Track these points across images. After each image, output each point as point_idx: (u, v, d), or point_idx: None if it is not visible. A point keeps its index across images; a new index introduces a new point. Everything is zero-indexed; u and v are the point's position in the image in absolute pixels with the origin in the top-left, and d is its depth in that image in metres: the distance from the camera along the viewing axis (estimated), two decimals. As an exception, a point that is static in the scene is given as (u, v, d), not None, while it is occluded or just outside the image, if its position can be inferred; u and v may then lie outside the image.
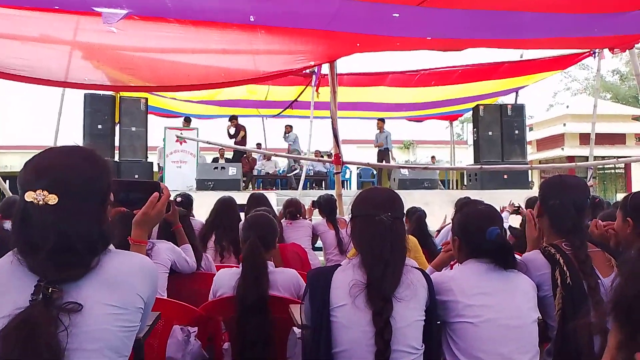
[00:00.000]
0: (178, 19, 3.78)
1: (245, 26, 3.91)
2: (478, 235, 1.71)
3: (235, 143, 11.27)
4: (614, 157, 21.60)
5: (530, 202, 4.06)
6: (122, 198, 1.47)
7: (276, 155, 13.16)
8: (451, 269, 2.04)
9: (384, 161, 12.20)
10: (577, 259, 1.75)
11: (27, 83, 4.81)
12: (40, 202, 1.04)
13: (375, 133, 12.66)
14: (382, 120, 12.36)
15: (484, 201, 1.92)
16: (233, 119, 11.45)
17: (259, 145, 14.57)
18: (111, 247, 1.17)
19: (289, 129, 13.29)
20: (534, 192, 13.51)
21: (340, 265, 1.70)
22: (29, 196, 1.04)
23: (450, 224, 4.71)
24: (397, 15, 3.68)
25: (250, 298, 2.06)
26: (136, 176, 9.90)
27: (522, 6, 3.63)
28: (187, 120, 11.58)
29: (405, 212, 3.96)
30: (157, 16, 3.70)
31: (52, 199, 1.04)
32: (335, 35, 4.27)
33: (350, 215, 1.76)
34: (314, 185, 12.03)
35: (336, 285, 1.61)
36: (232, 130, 11.43)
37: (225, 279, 2.18)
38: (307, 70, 7.61)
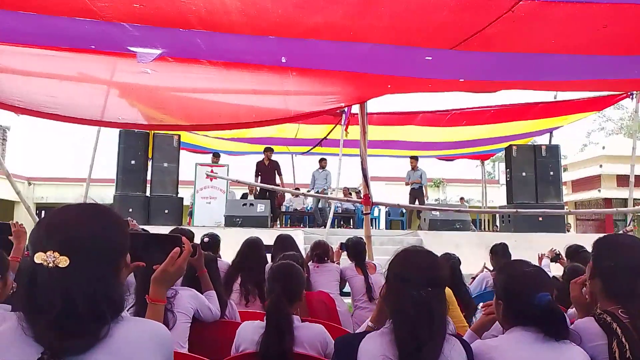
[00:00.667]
0: (210, 60, 3.81)
1: (277, 68, 3.91)
2: (526, 302, 1.56)
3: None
4: (654, 200, 20.88)
5: (571, 251, 3.85)
6: (141, 252, 1.40)
7: (305, 195, 13.13)
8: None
9: (417, 200, 12.00)
10: (636, 329, 1.56)
11: (59, 121, 4.91)
12: (50, 265, 0.97)
13: (407, 171, 12.47)
14: (415, 158, 12.15)
15: (529, 262, 1.76)
16: (269, 150, 11.33)
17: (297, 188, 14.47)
18: (124, 314, 1.09)
19: (323, 163, 12.50)
20: (571, 235, 13.05)
21: (368, 333, 1.58)
22: (39, 257, 0.97)
23: (485, 271, 4.54)
24: (430, 58, 3.63)
25: (273, 355, 1.94)
26: (166, 211, 9.99)
27: (559, 49, 3.53)
28: (216, 156, 11.71)
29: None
30: (189, 57, 3.75)
31: (63, 261, 0.97)
32: (366, 77, 4.24)
33: (385, 274, 1.64)
34: (341, 223, 11.89)
35: (362, 358, 1.48)
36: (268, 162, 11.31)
37: (249, 332, 2.07)
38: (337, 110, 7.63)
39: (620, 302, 1.66)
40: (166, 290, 1.47)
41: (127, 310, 2.27)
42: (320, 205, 13.50)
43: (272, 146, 11.32)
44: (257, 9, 2.82)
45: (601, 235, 1.89)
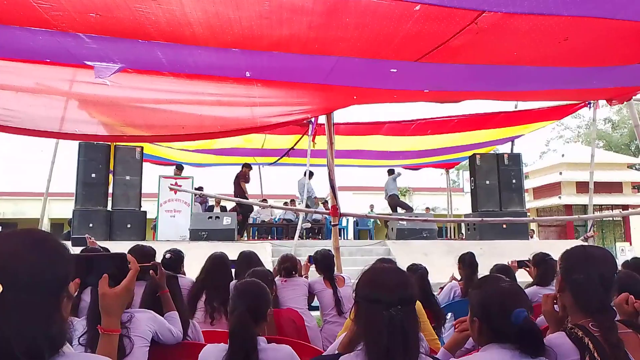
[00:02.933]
0: (172, 72, 3.71)
1: (242, 79, 3.85)
2: (502, 318, 1.52)
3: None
4: (612, 205, 21.67)
5: (537, 259, 3.89)
6: (87, 276, 1.30)
7: (272, 207, 13.02)
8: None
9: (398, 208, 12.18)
10: (607, 343, 1.55)
11: (14, 134, 4.70)
12: None
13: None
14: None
15: (503, 277, 1.74)
16: (247, 166, 11.29)
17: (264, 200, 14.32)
18: (67, 348, 0.99)
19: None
20: (534, 241, 13.35)
21: (342, 355, 1.52)
22: None
23: (453, 282, 4.55)
24: (395, 70, 3.63)
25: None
26: (128, 225, 9.72)
27: (522, 61, 3.59)
28: (179, 168, 11.50)
29: (406, 270, 3.76)
30: (151, 69, 3.64)
31: None
32: (332, 89, 4.22)
33: (354, 293, 1.58)
34: (309, 235, 11.82)
35: None
36: (248, 176, 11.28)
37: (212, 356, 1.97)
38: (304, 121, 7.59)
39: (591, 315, 1.65)
40: (119, 317, 1.37)
41: (80, 338, 2.16)
42: (288, 217, 13.42)
43: (234, 159, 11.33)
44: (220, 20, 2.75)
45: (567, 243, 1.89)
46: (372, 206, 17.83)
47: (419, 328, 1.53)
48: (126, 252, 1.50)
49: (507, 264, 4.37)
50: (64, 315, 1.01)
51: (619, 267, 2.99)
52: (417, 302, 3.26)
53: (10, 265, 0.92)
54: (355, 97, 4.69)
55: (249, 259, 3.90)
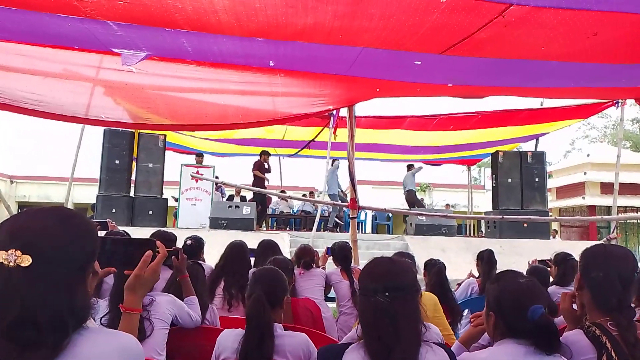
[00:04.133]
0: (197, 61, 3.75)
1: (265, 69, 3.86)
2: (519, 315, 1.52)
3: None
4: (637, 207, 21.17)
5: (559, 258, 3.83)
6: (114, 258, 1.33)
7: (291, 198, 13.06)
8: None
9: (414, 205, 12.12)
10: (625, 342, 1.53)
11: (42, 118, 4.80)
12: (12, 264, 0.90)
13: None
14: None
15: (519, 271, 1.72)
16: (265, 153, 11.29)
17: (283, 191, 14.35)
18: (90, 322, 1.02)
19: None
20: (556, 241, 13.15)
21: (352, 344, 1.54)
22: (0, 256, 0.91)
23: (471, 279, 4.52)
24: (419, 62, 3.61)
25: (253, 362, 1.88)
26: (150, 212, 9.87)
27: (549, 56, 3.53)
28: (200, 156, 11.58)
29: (424, 265, 3.71)
30: (176, 57, 3.68)
31: (26, 261, 0.91)
32: (355, 80, 4.21)
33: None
34: (328, 227, 11.84)
35: None
36: (266, 165, 11.27)
37: (229, 340, 2.00)
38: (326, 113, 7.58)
39: (609, 313, 1.63)
40: (141, 297, 1.40)
41: (102, 318, 2.21)
42: (306, 208, 13.45)
43: (255, 149, 11.33)
44: (246, 8, 2.76)
45: (589, 244, 1.86)
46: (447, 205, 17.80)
47: (419, 315, 1.54)
48: (148, 237, 1.53)
49: (528, 263, 4.33)
50: (88, 291, 1.04)
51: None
52: (434, 297, 3.27)
53: (39, 239, 0.95)
54: (378, 90, 4.68)
55: (269, 248, 3.93)
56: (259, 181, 10.88)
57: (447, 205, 19.59)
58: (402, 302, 1.50)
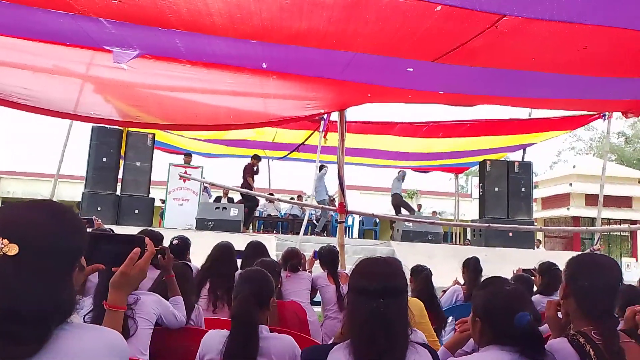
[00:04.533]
0: (190, 60, 3.74)
1: (258, 71, 3.86)
2: (505, 321, 1.53)
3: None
4: (620, 219, 21.48)
5: (543, 268, 3.88)
6: (101, 254, 1.32)
7: (279, 201, 13.03)
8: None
9: (401, 208, 12.16)
10: (608, 351, 1.54)
11: (31, 112, 4.75)
12: None
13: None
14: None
15: (506, 277, 1.74)
16: (256, 158, 11.29)
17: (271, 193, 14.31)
18: (74, 318, 1.00)
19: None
20: (540, 251, 13.27)
21: (336, 345, 1.54)
22: None
23: (456, 286, 4.55)
24: (412, 69, 3.63)
25: (237, 363, 1.87)
26: (136, 212, 9.79)
27: (540, 67, 3.57)
28: (188, 155, 11.51)
29: (411, 271, 3.71)
30: (168, 56, 3.66)
31: (13, 249, 0.90)
32: (347, 85, 4.22)
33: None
34: (315, 231, 11.84)
35: None
36: (256, 169, 11.27)
37: (214, 341, 1.99)
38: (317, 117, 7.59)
39: (593, 322, 1.65)
40: (126, 295, 1.38)
41: (85, 316, 2.19)
42: (294, 212, 13.43)
43: (245, 150, 11.31)
44: (241, 11, 2.76)
45: (573, 254, 1.88)
46: (434, 212, 17.93)
47: (408, 320, 1.54)
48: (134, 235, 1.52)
49: (513, 272, 4.37)
50: (74, 286, 1.03)
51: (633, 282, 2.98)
52: (420, 302, 3.28)
53: (28, 230, 0.95)
54: (369, 95, 4.69)
55: (257, 249, 3.92)
56: (247, 185, 10.86)
57: (434, 212, 19.70)
58: (397, 305, 1.50)
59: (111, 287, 1.36)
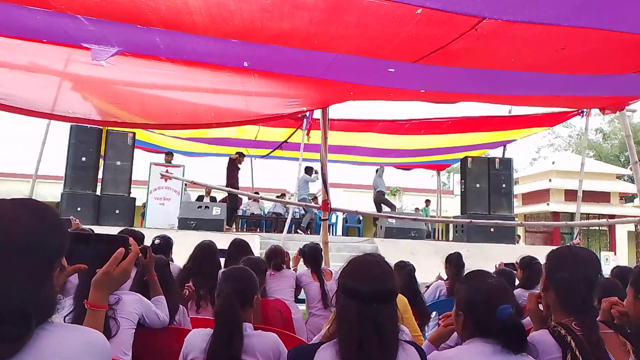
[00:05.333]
0: (170, 58, 3.70)
1: (239, 69, 3.84)
2: (487, 314, 1.54)
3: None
4: (599, 214, 21.90)
5: (524, 262, 3.93)
6: (83, 253, 1.30)
7: (263, 199, 12.99)
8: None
9: (382, 205, 12.20)
10: (589, 342, 1.57)
11: (7, 112, 4.65)
12: None
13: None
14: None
15: (491, 273, 1.76)
16: (240, 154, 11.24)
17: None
18: (55, 318, 0.99)
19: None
20: (521, 246, 13.47)
21: (323, 343, 1.53)
22: None
23: (439, 281, 4.59)
24: (393, 70, 3.65)
25: (220, 361, 1.86)
26: (117, 212, 9.68)
27: (519, 66, 3.62)
28: (169, 154, 11.40)
29: (394, 267, 3.73)
30: (148, 54, 3.62)
31: None
32: (329, 84, 4.22)
33: (337, 280, 1.60)
34: (298, 229, 11.83)
35: None
36: (240, 166, 11.21)
37: (198, 340, 1.98)
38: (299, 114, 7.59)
39: (574, 314, 1.67)
40: (107, 294, 1.37)
41: (65, 317, 2.16)
42: (277, 210, 13.40)
43: (227, 149, 11.24)
44: (221, 10, 2.74)
45: (554, 247, 1.91)
46: (417, 209, 18.03)
47: (398, 323, 1.53)
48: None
49: (495, 266, 4.43)
50: (55, 285, 1.01)
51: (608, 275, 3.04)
52: (404, 298, 3.30)
53: (8, 228, 0.93)
54: (351, 93, 4.70)
55: (241, 247, 3.90)
56: (232, 181, 10.79)
57: (417, 209, 19.81)
58: (389, 311, 1.49)
59: (93, 286, 1.34)
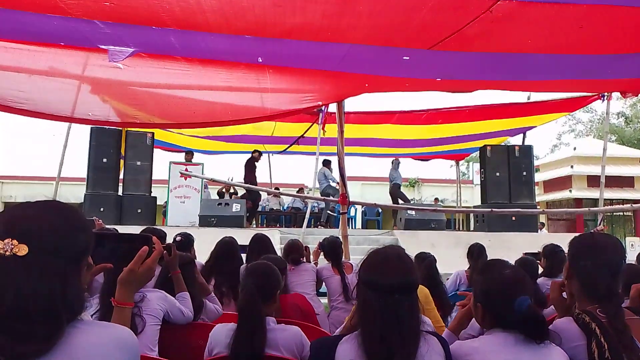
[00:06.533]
0: (185, 57, 3.73)
1: (253, 65, 3.86)
2: (504, 306, 1.53)
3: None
4: (622, 199, 21.48)
5: (547, 251, 3.88)
6: (108, 253, 1.33)
7: (282, 194, 13.04)
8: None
9: (397, 198, 12.15)
10: (614, 329, 1.55)
11: (28, 117, 4.75)
12: (8, 253, 0.91)
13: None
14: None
15: (508, 262, 1.75)
16: (256, 152, 11.32)
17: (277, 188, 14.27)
18: (84, 316, 1.02)
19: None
20: (543, 234, 13.29)
21: (345, 336, 1.54)
22: None
23: (459, 270, 4.56)
24: (407, 58, 3.62)
25: (243, 356, 1.88)
26: (139, 211, 9.81)
27: (536, 49, 3.56)
28: (189, 153, 11.51)
29: (414, 258, 3.75)
30: (164, 54, 3.66)
31: (22, 250, 0.91)
32: (344, 76, 4.21)
33: (357, 273, 1.60)
34: (318, 224, 11.86)
35: None
36: (257, 163, 11.30)
37: (222, 335, 2.01)
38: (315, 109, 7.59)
39: (598, 301, 1.65)
40: (134, 292, 1.40)
41: (92, 315, 2.20)
42: (296, 205, 13.44)
43: (244, 146, 11.30)
44: (233, 7, 2.76)
45: (576, 234, 1.88)
46: (436, 199, 17.85)
47: (419, 312, 1.53)
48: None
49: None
50: (82, 284, 1.04)
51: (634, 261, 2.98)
52: (425, 289, 3.29)
53: (36, 229, 0.96)
54: (366, 85, 4.69)
55: (262, 242, 3.93)
56: (251, 178, 10.86)
57: (436, 199, 19.68)
58: (411, 303, 1.49)
59: (119, 284, 1.38)
